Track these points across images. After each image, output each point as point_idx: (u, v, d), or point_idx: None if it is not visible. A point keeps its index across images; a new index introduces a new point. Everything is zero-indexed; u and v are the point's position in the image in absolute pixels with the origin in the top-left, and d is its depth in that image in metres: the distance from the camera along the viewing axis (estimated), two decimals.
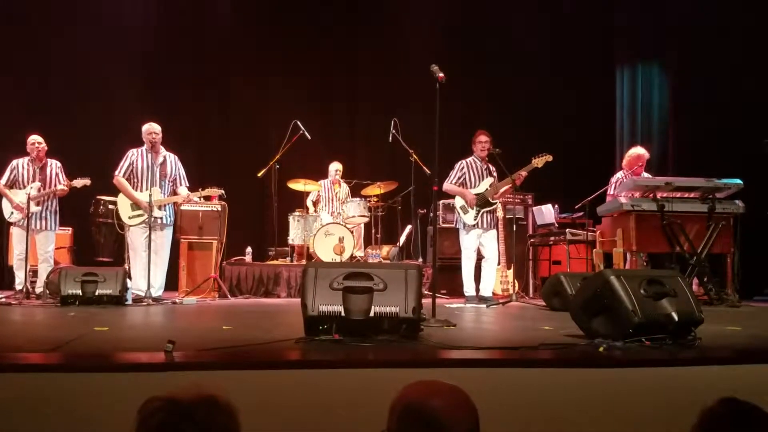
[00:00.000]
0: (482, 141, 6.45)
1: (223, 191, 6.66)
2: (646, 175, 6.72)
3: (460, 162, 6.54)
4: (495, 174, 6.52)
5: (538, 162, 6.29)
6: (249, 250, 7.82)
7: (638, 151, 6.99)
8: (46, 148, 6.60)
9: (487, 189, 6.39)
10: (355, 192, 8.31)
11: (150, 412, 1.24)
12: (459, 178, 6.47)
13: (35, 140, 6.54)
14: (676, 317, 3.06)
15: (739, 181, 6.23)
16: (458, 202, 6.46)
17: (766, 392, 2.07)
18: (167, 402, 1.25)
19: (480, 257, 6.48)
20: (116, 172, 6.32)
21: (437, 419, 1.37)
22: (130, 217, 6.28)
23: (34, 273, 6.63)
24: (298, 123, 7.75)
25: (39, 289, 6.38)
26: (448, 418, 1.37)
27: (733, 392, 1.48)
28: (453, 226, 7.00)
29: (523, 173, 6.28)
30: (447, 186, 6.44)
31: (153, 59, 8.81)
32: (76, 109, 8.37)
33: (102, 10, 8.83)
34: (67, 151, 7.04)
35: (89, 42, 8.56)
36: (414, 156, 7.60)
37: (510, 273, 6.92)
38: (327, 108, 9.38)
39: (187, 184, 6.50)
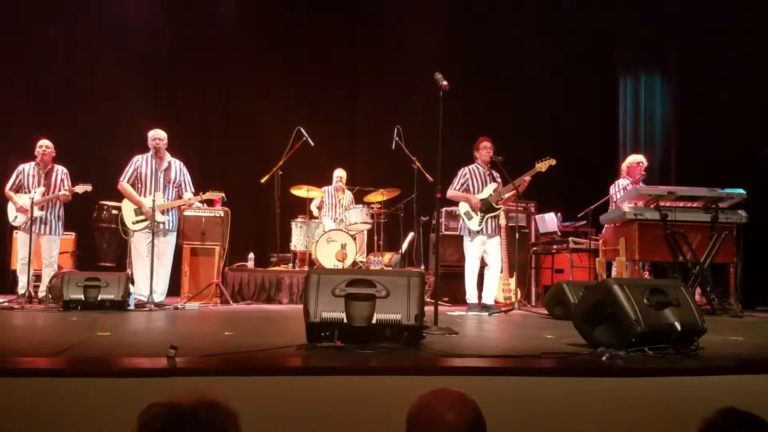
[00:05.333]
0: (487, 147, 6.47)
1: (223, 194, 6.69)
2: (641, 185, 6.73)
3: (462, 169, 6.55)
4: (498, 179, 6.52)
5: (542, 166, 6.29)
6: (251, 256, 7.82)
7: (637, 157, 7.00)
8: (53, 153, 6.63)
9: (490, 194, 6.40)
10: (357, 199, 8.32)
11: (150, 417, 1.24)
12: (462, 185, 6.48)
13: (42, 144, 6.58)
14: (678, 327, 3.06)
15: (742, 190, 6.23)
16: (462, 208, 6.46)
17: None
18: (167, 407, 1.25)
19: (483, 265, 6.48)
20: (120, 179, 6.36)
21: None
22: (133, 223, 6.32)
23: (37, 277, 6.65)
24: (302, 130, 7.77)
25: (41, 294, 6.40)
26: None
27: (734, 402, 1.47)
28: (455, 233, 7.01)
29: (527, 178, 6.28)
30: (451, 193, 6.46)
31: (154, 62, 8.84)
32: (78, 113, 8.40)
33: (103, 12, 8.88)
34: (70, 156, 7.06)
35: (91, 44, 8.62)
36: (417, 163, 7.62)
37: (512, 281, 6.91)
38: (329, 114, 9.39)
39: (193, 190, 6.53)
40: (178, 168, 6.50)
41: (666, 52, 8.98)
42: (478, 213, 6.36)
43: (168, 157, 6.46)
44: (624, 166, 7.04)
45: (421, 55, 9.07)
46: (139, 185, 6.37)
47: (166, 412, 1.24)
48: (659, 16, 8.90)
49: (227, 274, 7.33)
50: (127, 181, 6.36)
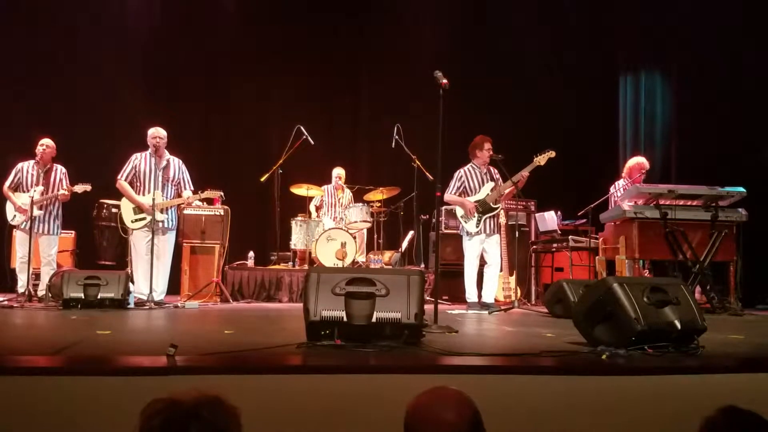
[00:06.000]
0: (489, 147, 6.45)
1: (222, 193, 6.69)
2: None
3: (458, 171, 6.53)
4: (497, 177, 6.51)
5: (541, 159, 6.26)
6: (251, 254, 7.82)
7: (639, 160, 7.00)
8: (53, 152, 6.63)
9: (488, 194, 6.39)
10: (357, 197, 8.32)
11: (152, 413, 1.24)
12: (459, 188, 6.47)
13: (43, 143, 6.58)
14: (678, 325, 3.06)
15: (742, 189, 6.23)
16: (459, 211, 6.45)
17: None
18: (170, 403, 1.25)
19: (482, 263, 6.47)
20: (119, 177, 6.36)
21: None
22: (132, 221, 6.31)
23: (37, 276, 6.65)
24: (302, 128, 7.77)
25: (41, 292, 6.40)
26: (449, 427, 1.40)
27: (735, 401, 1.47)
28: (455, 232, 7.01)
29: (526, 173, 6.25)
30: (447, 197, 6.44)
31: (154, 62, 8.84)
32: (78, 111, 8.39)
33: (104, 12, 8.87)
34: (70, 155, 7.06)
35: (91, 44, 8.60)
36: (416, 162, 7.62)
37: (512, 279, 6.91)
38: (329, 112, 9.39)
39: (192, 188, 6.52)
40: (176, 166, 6.49)
41: (666, 51, 8.98)
42: (475, 215, 6.34)
43: (167, 155, 6.46)
44: (626, 167, 7.04)
45: (421, 54, 9.06)
46: (138, 184, 6.36)
47: (169, 409, 1.24)
48: (659, 16, 8.89)
49: (227, 272, 7.33)
50: (126, 180, 6.35)
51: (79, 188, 6.50)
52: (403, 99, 8.94)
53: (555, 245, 7.71)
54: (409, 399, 1.53)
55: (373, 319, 3.09)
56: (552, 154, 6.26)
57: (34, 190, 6.45)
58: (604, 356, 2.90)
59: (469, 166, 6.54)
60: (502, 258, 6.56)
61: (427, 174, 7.47)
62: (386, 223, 8.22)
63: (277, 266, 7.86)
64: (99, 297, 5.50)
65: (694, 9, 8.40)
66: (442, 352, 3.06)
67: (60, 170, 6.67)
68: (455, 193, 6.47)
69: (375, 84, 9.56)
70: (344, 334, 3.07)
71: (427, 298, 5.07)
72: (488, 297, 6.41)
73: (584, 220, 7.50)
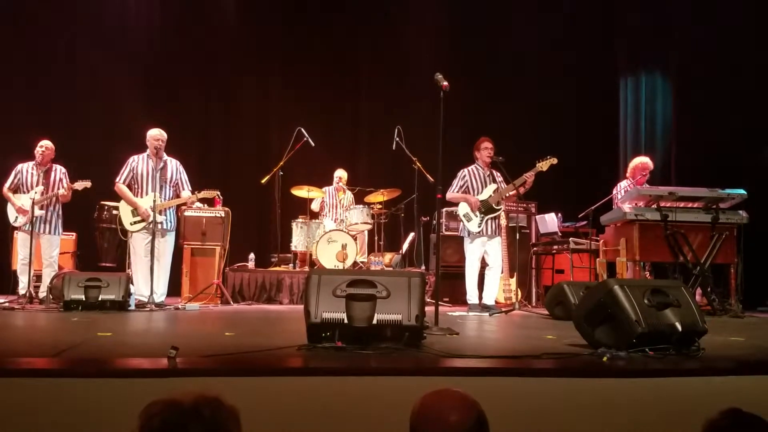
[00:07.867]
0: (488, 147, 6.45)
1: (218, 192, 6.69)
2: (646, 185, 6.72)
3: (462, 170, 6.54)
4: (499, 180, 6.51)
5: (543, 165, 6.26)
6: (252, 256, 7.82)
7: (642, 160, 6.99)
8: (52, 154, 6.63)
9: (490, 195, 6.39)
10: (358, 199, 8.31)
11: (151, 415, 1.24)
12: (461, 187, 6.47)
13: (43, 144, 6.58)
14: (679, 327, 3.06)
15: (742, 191, 6.23)
16: (461, 209, 6.45)
17: None
18: (168, 404, 1.25)
19: (483, 265, 6.47)
20: (117, 180, 6.35)
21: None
22: (131, 223, 6.31)
23: (38, 278, 6.65)
24: (302, 130, 7.77)
25: (42, 294, 6.40)
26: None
27: (736, 403, 1.47)
28: (456, 233, 7.01)
29: (529, 177, 6.24)
30: (450, 195, 6.44)
31: (154, 61, 8.84)
32: (78, 112, 8.40)
33: (104, 12, 8.88)
34: (70, 156, 7.06)
35: (91, 44, 8.60)
36: (417, 164, 7.62)
37: (513, 281, 6.90)
38: (329, 114, 9.38)
39: (190, 189, 6.52)
40: (174, 167, 6.48)
41: (666, 52, 8.98)
42: (478, 214, 6.35)
43: (164, 156, 6.45)
44: (630, 167, 7.03)
45: (421, 55, 9.07)
46: (136, 186, 6.35)
47: (168, 410, 1.24)
48: (659, 16, 8.89)
49: (228, 274, 7.32)
50: (123, 182, 6.35)
51: (79, 185, 6.48)
52: (404, 100, 8.95)
53: (555, 247, 7.70)
54: (411, 401, 1.53)
55: (374, 321, 3.10)
56: (554, 160, 6.25)
57: (35, 191, 6.45)
58: (604, 358, 2.90)
59: (473, 166, 6.55)
60: (502, 260, 6.55)
61: (428, 176, 7.47)
62: (387, 224, 8.21)
63: (277, 268, 7.85)
64: (100, 299, 5.50)
65: (694, 9, 8.40)
66: (443, 354, 3.06)
67: (60, 170, 6.67)
68: (458, 192, 6.47)
69: (375, 85, 9.56)
70: (345, 336, 3.07)
71: (428, 300, 5.07)
72: (489, 299, 6.41)
73: (585, 222, 7.50)
